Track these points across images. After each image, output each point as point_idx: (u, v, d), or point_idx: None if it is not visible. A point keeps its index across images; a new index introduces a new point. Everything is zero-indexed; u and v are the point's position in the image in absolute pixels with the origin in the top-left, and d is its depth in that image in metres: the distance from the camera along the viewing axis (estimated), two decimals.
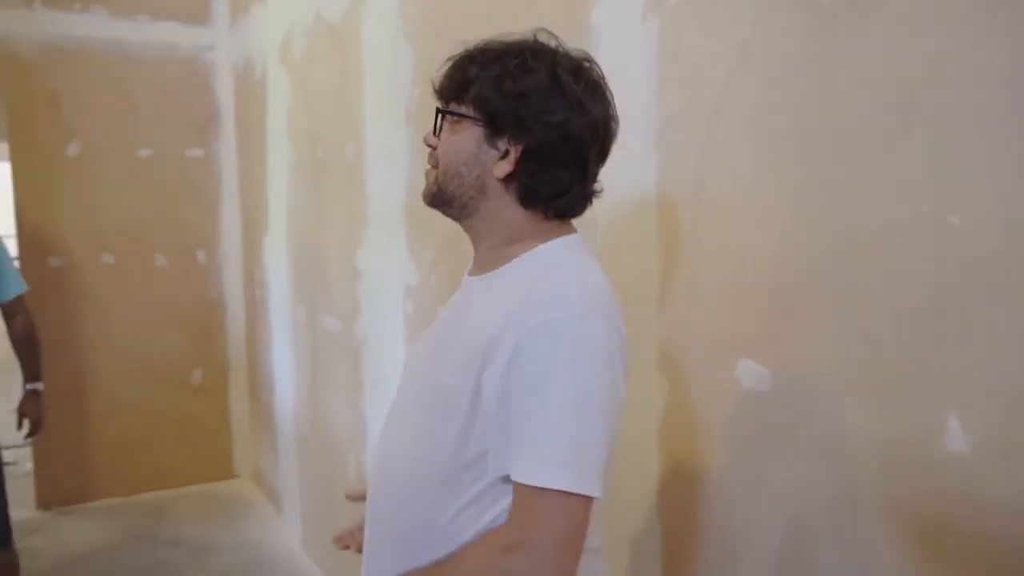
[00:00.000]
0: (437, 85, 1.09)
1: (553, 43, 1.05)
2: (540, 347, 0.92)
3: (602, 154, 1.06)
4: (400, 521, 1.06)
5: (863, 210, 1.04)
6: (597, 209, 1.51)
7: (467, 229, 1.12)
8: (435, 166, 1.09)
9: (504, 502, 0.96)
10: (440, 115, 1.08)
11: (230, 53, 4.06)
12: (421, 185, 1.12)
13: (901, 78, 0.99)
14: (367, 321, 2.65)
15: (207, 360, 4.24)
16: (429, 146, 1.11)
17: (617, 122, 1.07)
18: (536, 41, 1.04)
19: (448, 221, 1.12)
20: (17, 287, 2.68)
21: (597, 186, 1.08)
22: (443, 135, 1.08)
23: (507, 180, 1.03)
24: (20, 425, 2.77)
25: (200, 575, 3.27)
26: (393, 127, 2.34)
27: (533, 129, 1.00)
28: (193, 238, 4.14)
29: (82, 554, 3.46)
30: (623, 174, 1.46)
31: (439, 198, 1.09)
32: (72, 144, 3.83)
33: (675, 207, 1.35)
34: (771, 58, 1.16)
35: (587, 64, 1.04)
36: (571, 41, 1.57)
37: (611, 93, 1.06)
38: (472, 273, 1.13)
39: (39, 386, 2.77)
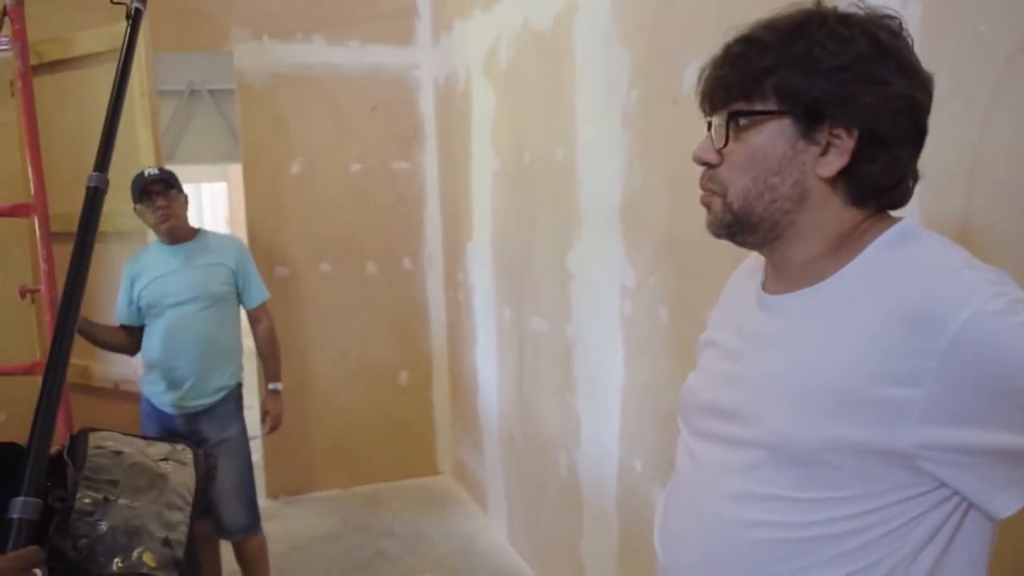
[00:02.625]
0: (709, 87, 0.91)
1: (846, 2, 0.87)
2: (988, 352, 0.73)
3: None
4: None
5: None
6: None
7: (772, 251, 0.93)
8: (716, 190, 0.92)
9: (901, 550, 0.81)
10: (728, 121, 0.88)
11: (433, 69, 4.25)
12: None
13: None
14: (579, 322, 2.69)
15: (412, 362, 4.46)
16: (706, 164, 0.92)
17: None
18: (826, 6, 0.87)
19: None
20: (261, 295, 2.95)
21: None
22: (730, 146, 0.89)
23: (835, 177, 0.86)
24: (264, 421, 3.04)
25: (416, 563, 3.45)
26: (608, 130, 2.37)
27: (870, 106, 0.83)
28: (400, 246, 4.36)
29: (309, 540, 3.74)
30: None
31: (739, 225, 0.91)
32: (295, 163, 4.16)
33: (942, 198, 1.29)
34: None
35: (894, 18, 0.86)
36: None
37: None
38: (774, 290, 0.95)
39: (279, 386, 3.01)
